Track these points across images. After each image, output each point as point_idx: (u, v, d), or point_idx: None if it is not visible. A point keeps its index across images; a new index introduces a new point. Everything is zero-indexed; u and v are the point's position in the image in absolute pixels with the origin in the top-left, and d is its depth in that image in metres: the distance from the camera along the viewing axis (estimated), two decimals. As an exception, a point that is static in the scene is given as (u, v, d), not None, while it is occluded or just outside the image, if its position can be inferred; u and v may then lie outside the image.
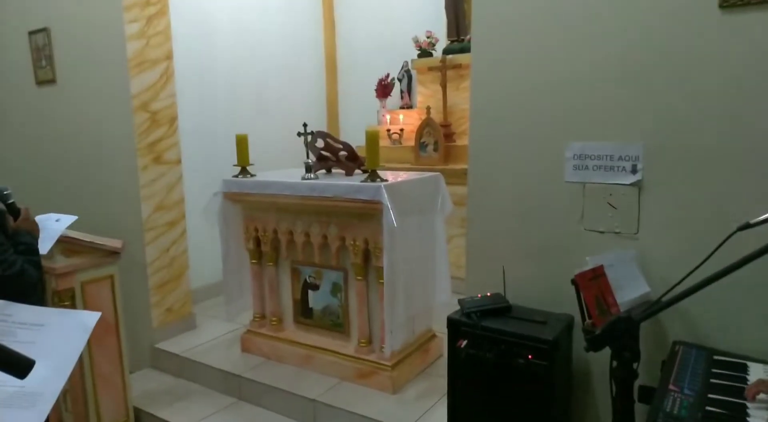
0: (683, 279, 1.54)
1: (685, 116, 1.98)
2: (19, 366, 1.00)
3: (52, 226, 2.34)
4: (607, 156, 2.13)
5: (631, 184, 2.10)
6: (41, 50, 4.02)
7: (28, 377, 1.14)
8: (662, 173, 2.05)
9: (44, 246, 2.17)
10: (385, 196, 2.77)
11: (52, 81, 4.02)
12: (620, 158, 2.11)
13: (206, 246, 4.13)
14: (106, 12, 3.56)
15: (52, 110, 4.09)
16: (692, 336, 1.98)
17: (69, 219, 2.42)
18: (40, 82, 4.11)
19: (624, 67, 2.08)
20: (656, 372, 1.82)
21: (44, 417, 1.21)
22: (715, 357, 1.78)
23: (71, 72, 3.91)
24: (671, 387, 1.55)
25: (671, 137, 2.02)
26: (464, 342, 2.20)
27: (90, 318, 1.44)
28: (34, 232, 2.10)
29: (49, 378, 1.25)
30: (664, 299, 1.54)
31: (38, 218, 2.20)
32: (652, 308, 1.56)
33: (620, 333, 1.53)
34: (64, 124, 4.03)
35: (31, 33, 4.04)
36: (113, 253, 2.99)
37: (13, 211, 2.06)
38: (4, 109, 4.39)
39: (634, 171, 2.09)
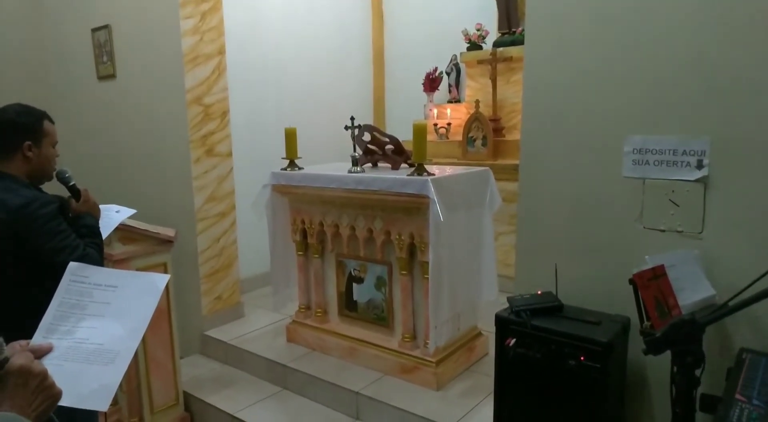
0: (753, 282, 1.45)
1: (755, 108, 1.86)
2: None
3: (112, 216, 2.38)
4: (669, 150, 2.02)
5: (696, 181, 1.99)
6: (102, 46, 4.14)
7: (105, 336, 1.25)
8: (730, 169, 1.93)
9: (102, 234, 2.20)
10: (432, 189, 2.72)
11: (112, 76, 4.14)
12: (684, 153, 1.99)
13: (255, 237, 4.17)
14: (163, 9, 3.65)
15: (112, 104, 4.21)
16: (761, 343, 1.86)
17: (128, 211, 2.45)
18: (101, 77, 4.24)
19: (688, 56, 1.97)
20: (719, 380, 1.72)
21: (122, 374, 1.24)
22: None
23: (130, 67, 4.02)
24: (738, 396, 1.46)
25: (741, 130, 1.89)
26: (513, 341, 2.14)
27: (160, 280, 1.46)
28: (95, 214, 2.12)
29: (125, 337, 1.29)
30: (731, 303, 1.46)
31: (100, 207, 2.24)
32: (718, 312, 1.47)
33: (683, 336, 1.46)
34: (123, 117, 4.14)
35: (93, 30, 4.17)
36: (167, 242, 3.07)
37: (74, 192, 2.08)
38: (67, 103, 4.54)
39: (699, 166, 1.97)
